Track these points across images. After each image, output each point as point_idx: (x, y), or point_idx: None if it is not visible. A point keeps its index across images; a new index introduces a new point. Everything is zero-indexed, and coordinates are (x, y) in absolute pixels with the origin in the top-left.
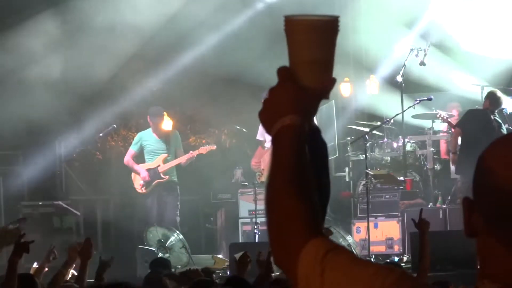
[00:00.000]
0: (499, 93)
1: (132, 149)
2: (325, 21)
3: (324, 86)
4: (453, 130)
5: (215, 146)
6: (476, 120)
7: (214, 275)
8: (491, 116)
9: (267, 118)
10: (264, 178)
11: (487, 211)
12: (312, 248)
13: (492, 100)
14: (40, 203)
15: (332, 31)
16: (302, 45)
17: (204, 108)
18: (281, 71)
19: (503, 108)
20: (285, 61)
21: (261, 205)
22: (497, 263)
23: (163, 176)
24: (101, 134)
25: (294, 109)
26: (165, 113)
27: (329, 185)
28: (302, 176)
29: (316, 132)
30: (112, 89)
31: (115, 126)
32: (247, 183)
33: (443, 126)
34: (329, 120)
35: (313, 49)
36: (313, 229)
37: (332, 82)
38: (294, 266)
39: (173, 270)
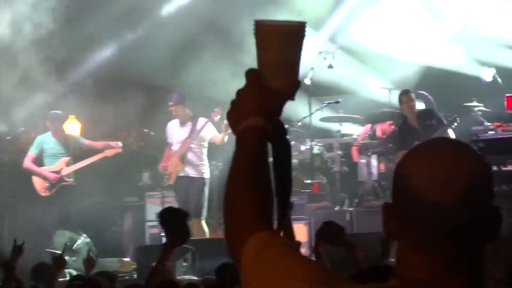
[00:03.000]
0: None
1: (32, 153)
2: (292, 26)
3: (289, 87)
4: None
5: (121, 149)
6: None
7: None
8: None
9: (233, 119)
10: (171, 181)
11: (402, 216)
12: (254, 241)
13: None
14: None
15: (299, 36)
16: (270, 48)
17: (111, 111)
18: (248, 74)
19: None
20: (191, 67)
21: None
22: (407, 265)
23: (67, 179)
24: (8, 137)
25: (256, 110)
26: (73, 116)
27: (290, 181)
28: (258, 174)
29: (281, 131)
30: (21, 92)
31: (23, 129)
32: (154, 186)
33: (351, 130)
34: None
35: (280, 52)
36: (260, 223)
37: (297, 83)
38: (239, 258)
39: (79, 273)
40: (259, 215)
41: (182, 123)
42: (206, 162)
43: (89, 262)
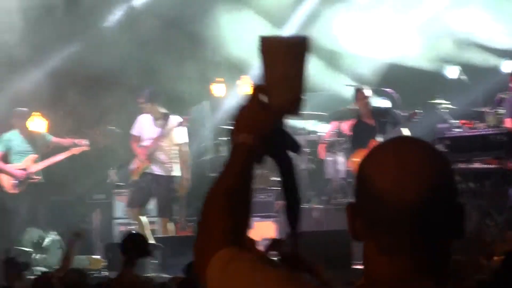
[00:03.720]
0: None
1: None
2: (297, 42)
3: (292, 103)
4: None
5: (89, 147)
6: None
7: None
8: None
9: (230, 134)
10: (136, 176)
11: (366, 216)
12: (219, 256)
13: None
14: None
15: (303, 51)
16: (276, 64)
17: (77, 109)
18: (253, 89)
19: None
20: (157, 64)
21: None
22: (373, 265)
23: (35, 177)
24: None
25: (248, 128)
26: (38, 113)
27: (298, 203)
28: (236, 192)
29: (284, 146)
30: None
31: None
32: (121, 183)
33: (317, 127)
34: (202, 120)
35: (285, 67)
36: (228, 241)
37: (300, 99)
38: (204, 273)
39: (49, 270)
40: (228, 232)
41: (155, 120)
42: (176, 160)
43: (77, 234)
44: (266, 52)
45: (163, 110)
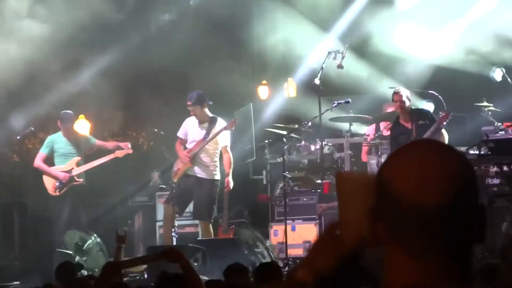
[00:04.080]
0: None
1: (43, 152)
2: (371, 178)
3: (359, 242)
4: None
5: (132, 150)
6: None
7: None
8: None
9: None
10: (177, 177)
11: (388, 220)
12: None
13: None
14: None
15: (373, 187)
16: (349, 201)
17: (121, 111)
18: (329, 225)
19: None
20: (205, 66)
21: None
22: (399, 270)
23: (77, 179)
24: (18, 137)
25: (312, 263)
26: (82, 116)
27: None
28: None
29: (354, 285)
30: (30, 92)
31: (32, 128)
32: (164, 186)
33: (361, 129)
34: (247, 122)
35: (359, 205)
36: None
37: (366, 240)
38: None
39: (90, 273)
40: None
41: (200, 123)
42: (218, 163)
43: (119, 238)
44: (341, 188)
45: (209, 113)
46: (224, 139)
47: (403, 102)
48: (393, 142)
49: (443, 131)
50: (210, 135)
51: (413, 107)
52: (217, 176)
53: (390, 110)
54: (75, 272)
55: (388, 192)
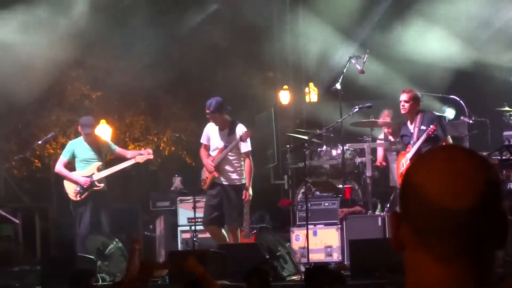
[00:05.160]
0: None
1: (64, 158)
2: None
3: None
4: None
5: (153, 156)
6: None
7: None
8: None
9: None
10: (206, 186)
11: (414, 224)
12: None
13: None
14: None
15: None
16: None
17: (142, 116)
18: None
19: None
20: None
21: (200, 213)
22: (424, 274)
23: (98, 184)
24: (39, 142)
25: None
26: (104, 120)
27: None
28: None
29: None
30: (52, 97)
31: (54, 134)
32: (186, 191)
33: (381, 134)
34: (268, 127)
35: None
36: None
37: None
38: None
39: (112, 278)
40: None
41: (221, 129)
42: (243, 167)
43: (134, 239)
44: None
45: (229, 118)
46: (245, 145)
47: (406, 103)
48: (401, 144)
49: (449, 138)
50: (230, 145)
51: (425, 110)
52: (244, 180)
53: (384, 119)
54: (90, 280)
55: (416, 195)
